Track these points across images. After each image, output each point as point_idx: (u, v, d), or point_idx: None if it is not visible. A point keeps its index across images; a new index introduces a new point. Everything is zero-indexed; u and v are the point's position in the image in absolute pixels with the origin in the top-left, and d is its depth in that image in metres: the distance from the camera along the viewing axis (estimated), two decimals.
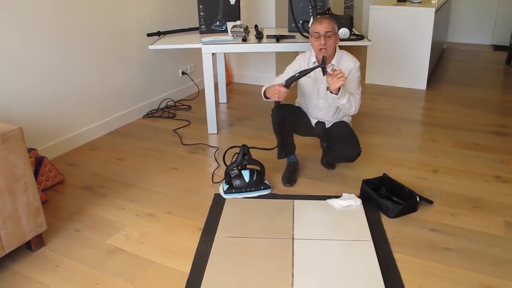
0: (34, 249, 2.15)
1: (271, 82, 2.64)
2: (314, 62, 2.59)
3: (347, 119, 2.79)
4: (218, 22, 3.61)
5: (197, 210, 2.47)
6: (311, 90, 2.68)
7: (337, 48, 2.60)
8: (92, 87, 3.39)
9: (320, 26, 2.45)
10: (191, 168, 2.96)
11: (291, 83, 2.43)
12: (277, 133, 2.63)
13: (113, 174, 2.91)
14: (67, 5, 3.06)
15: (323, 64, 2.37)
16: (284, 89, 2.41)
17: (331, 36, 2.46)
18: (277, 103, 2.51)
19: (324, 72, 2.39)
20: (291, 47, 3.26)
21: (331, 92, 2.42)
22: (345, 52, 2.64)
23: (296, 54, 2.76)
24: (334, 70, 2.33)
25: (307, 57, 2.65)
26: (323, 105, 2.70)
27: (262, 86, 2.63)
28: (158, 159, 3.10)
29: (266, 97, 2.56)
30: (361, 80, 2.66)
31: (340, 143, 2.62)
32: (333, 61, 2.57)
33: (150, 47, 3.35)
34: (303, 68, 2.60)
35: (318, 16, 2.79)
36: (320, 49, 2.46)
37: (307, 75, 2.51)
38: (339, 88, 2.38)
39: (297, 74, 2.43)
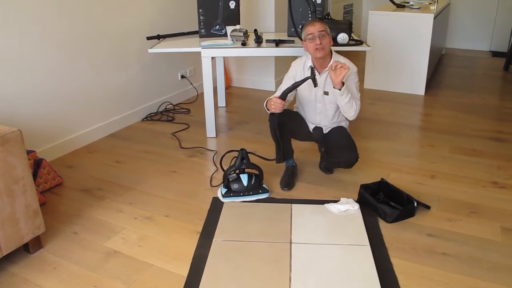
0: (32, 251, 2.15)
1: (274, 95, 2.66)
2: (310, 66, 2.61)
3: (344, 124, 2.80)
4: (217, 26, 3.62)
5: (195, 214, 2.47)
6: (308, 94, 2.69)
7: (333, 52, 2.62)
8: (92, 90, 3.39)
9: (312, 28, 2.49)
10: (190, 172, 2.96)
11: (286, 94, 2.49)
12: (275, 138, 2.64)
13: (111, 177, 2.91)
14: (67, 8, 3.07)
15: (312, 75, 2.42)
16: (279, 100, 2.46)
17: (325, 36, 2.49)
18: (275, 114, 2.55)
19: (315, 83, 2.44)
20: (290, 52, 3.27)
21: (334, 88, 2.45)
22: (341, 56, 2.65)
23: (294, 58, 2.77)
24: (336, 62, 2.35)
25: (302, 62, 2.67)
26: (321, 109, 2.71)
27: (261, 90, 2.65)
28: (156, 162, 3.10)
29: (269, 110, 2.59)
30: (359, 86, 2.68)
31: (337, 149, 2.63)
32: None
33: (150, 50, 3.36)
34: (299, 74, 2.64)
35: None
36: (316, 49, 2.48)
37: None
38: (343, 84, 2.40)
39: (291, 86, 2.50)
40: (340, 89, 2.44)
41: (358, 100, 2.58)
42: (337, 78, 2.38)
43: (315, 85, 2.44)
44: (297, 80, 2.53)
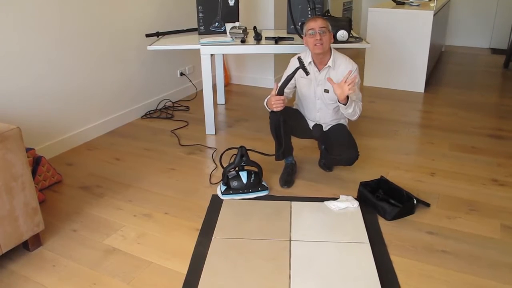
0: (31, 249, 2.15)
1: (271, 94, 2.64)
2: (310, 62, 2.60)
3: (344, 121, 2.79)
4: (217, 23, 3.61)
5: (195, 211, 2.47)
6: (307, 92, 2.69)
7: (333, 49, 2.62)
8: (91, 87, 3.39)
9: (314, 23, 2.48)
10: (189, 169, 2.96)
11: (283, 89, 2.47)
12: (275, 135, 2.64)
13: (110, 174, 2.91)
14: (66, 5, 3.06)
15: (301, 65, 2.39)
16: (278, 97, 2.42)
17: (326, 32, 2.49)
18: (277, 112, 2.52)
19: (306, 72, 2.41)
20: (289, 49, 3.27)
21: (338, 101, 2.43)
22: (341, 54, 2.64)
23: (294, 56, 2.76)
24: (345, 79, 2.34)
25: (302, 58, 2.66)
26: (320, 106, 2.70)
27: (261, 87, 2.64)
28: (156, 160, 3.10)
29: (270, 109, 2.57)
30: (360, 84, 2.67)
31: (338, 146, 2.62)
32: (329, 62, 2.58)
33: (149, 47, 3.35)
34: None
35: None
36: (315, 45, 2.47)
37: (303, 76, 2.54)
38: (347, 98, 2.39)
39: (285, 80, 2.46)
40: (345, 104, 2.42)
41: (359, 101, 2.57)
42: (342, 95, 2.36)
43: (307, 73, 2.41)
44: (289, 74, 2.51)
